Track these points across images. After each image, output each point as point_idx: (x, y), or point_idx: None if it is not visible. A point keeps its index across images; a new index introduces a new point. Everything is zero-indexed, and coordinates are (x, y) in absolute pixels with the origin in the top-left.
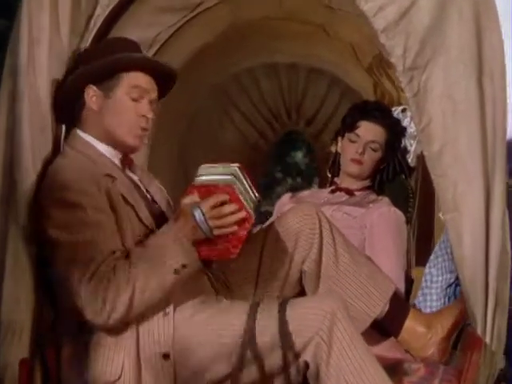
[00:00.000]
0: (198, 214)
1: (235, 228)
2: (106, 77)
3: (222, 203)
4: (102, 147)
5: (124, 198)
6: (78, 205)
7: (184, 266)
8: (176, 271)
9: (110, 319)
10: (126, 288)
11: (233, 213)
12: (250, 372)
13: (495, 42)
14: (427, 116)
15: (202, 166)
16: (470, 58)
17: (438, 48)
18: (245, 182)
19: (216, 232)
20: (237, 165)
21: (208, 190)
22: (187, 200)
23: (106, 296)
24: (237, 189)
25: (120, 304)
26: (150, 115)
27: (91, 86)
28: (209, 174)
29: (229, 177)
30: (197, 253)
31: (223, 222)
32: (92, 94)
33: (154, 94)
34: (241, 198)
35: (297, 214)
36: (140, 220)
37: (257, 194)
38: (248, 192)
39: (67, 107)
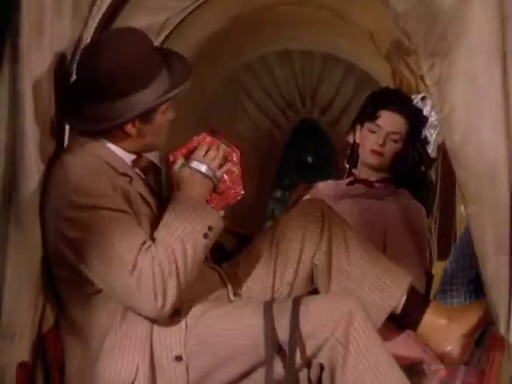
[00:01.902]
0: (197, 164)
1: (229, 164)
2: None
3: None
4: (116, 148)
5: (142, 197)
6: (97, 206)
7: (210, 228)
8: (205, 235)
9: (164, 308)
10: (170, 274)
11: (220, 150)
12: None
13: None
14: (449, 105)
15: None
16: (493, 45)
17: (461, 34)
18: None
19: (219, 173)
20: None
21: (186, 148)
22: (177, 165)
23: (155, 287)
24: (208, 135)
25: (170, 290)
26: (174, 115)
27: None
28: None
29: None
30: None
31: (218, 161)
32: (133, 124)
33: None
34: (215, 139)
35: (305, 208)
36: (155, 222)
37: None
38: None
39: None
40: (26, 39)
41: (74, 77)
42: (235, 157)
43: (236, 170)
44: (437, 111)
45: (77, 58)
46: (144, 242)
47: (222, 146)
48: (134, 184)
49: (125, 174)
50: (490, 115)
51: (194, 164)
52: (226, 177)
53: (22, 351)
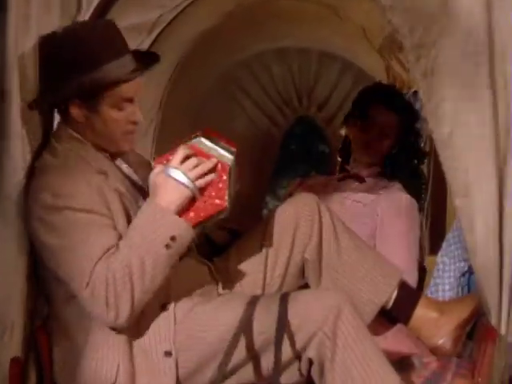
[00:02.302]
0: (172, 171)
1: (212, 175)
2: (90, 96)
3: (188, 157)
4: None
5: (119, 194)
6: (67, 208)
7: (173, 238)
8: (167, 246)
9: (117, 320)
10: (124, 286)
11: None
12: (250, 369)
13: (506, 22)
14: (436, 96)
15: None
16: (479, 37)
17: (447, 25)
18: (208, 143)
19: (199, 183)
20: (198, 134)
21: (170, 154)
22: (154, 173)
23: (107, 300)
24: (196, 144)
25: (123, 304)
26: (139, 118)
27: (76, 101)
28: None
29: (191, 141)
30: (186, 221)
31: (200, 170)
32: (76, 109)
33: (139, 90)
34: (203, 149)
35: (296, 203)
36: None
37: (230, 156)
38: (214, 145)
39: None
40: (13, 37)
41: None
42: (222, 168)
43: (222, 182)
44: (424, 103)
45: None
46: (109, 249)
47: (211, 160)
48: (110, 180)
49: (101, 171)
50: (476, 108)
51: (169, 170)
52: (209, 187)
53: (13, 347)
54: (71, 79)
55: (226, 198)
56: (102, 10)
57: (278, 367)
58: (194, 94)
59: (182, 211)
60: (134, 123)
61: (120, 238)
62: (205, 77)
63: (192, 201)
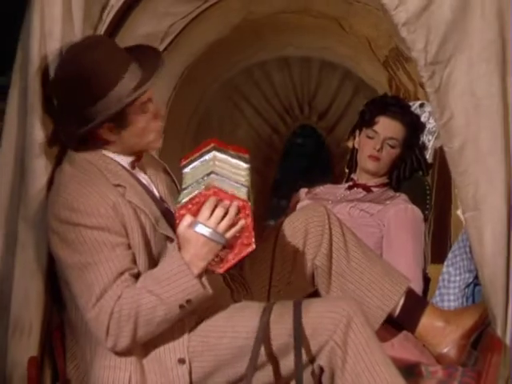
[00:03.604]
0: (201, 228)
1: (242, 222)
2: (118, 115)
3: (215, 207)
4: (112, 154)
5: (136, 208)
6: (81, 225)
7: (188, 301)
8: (181, 306)
9: (115, 348)
10: (128, 322)
11: (229, 208)
12: (265, 374)
13: None
14: (449, 111)
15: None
16: (493, 54)
17: (461, 43)
18: (226, 165)
19: (228, 235)
20: (212, 146)
21: (194, 204)
22: (183, 225)
23: (109, 326)
24: (217, 186)
25: (123, 337)
26: (163, 111)
27: (105, 124)
28: (190, 183)
29: (207, 178)
30: (204, 287)
31: (228, 221)
32: (107, 131)
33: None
34: (226, 190)
35: (306, 212)
36: (154, 228)
37: (244, 165)
38: (234, 172)
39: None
40: (37, 46)
41: None
42: (246, 208)
43: (246, 223)
44: (436, 117)
45: None
46: (121, 273)
47: (234, 204)
48: (127, 194)
49: (118, 185)
50: (488, 123)
51: (199, 228)
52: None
53: (31, 346)
54: (96, 106)
55: (253, 238)
56: (118, 21)
57: (300, 373)
58: (197, 102)
59: (214, 262)
60: (160, 117)
61: (133, 257)
62: (208, 86)
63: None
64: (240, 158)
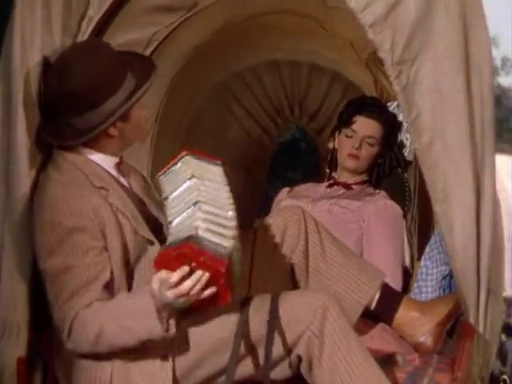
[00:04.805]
0: (161, 294)
1: (210, 291)
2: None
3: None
4: (98, 157)
5: (117, 211)
6: (62, 225)
7: (149, 340)
8: (141, 341)
9: (75, 350)
10: (89, 334)
11: (197, 282)
12: (245, 366)
13: (482, 39)
14: (416, 109)
15: (162, 183)
16: (457, 53)
17: (426, 43)
18: (213, 211)
19: (192, 302)
20: (189, 158)
21: (170, 259)
22: (155, 277)
23: (71, 330)
24: (198, 240)
25: (81, 344)
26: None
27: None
28: (174, 212)
29: (193, 223)
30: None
31: (192, 295)
32: (114, 126)
33: None
34: (202, 249)
35: (283, 213)
36: (135, 231)
37: (231, 206)
38: (218, 224)
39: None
40: (19, 54)
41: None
42: (220, 273)
43: (221, 283)
44: (405, 115)
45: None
46: (91, 282)
47: (206, 275)
48: (109, 197)
49: (101, 188)
50: (454, 118)
51: (160, 293)
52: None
53: (20, 347)
54: (104, 103)
55: (228, 295)
56: (99, 28)
57: (269, 362)
58: (188, 105)
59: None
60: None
61: (106, 262)
62: (199, 89)
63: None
64: (213, 164)
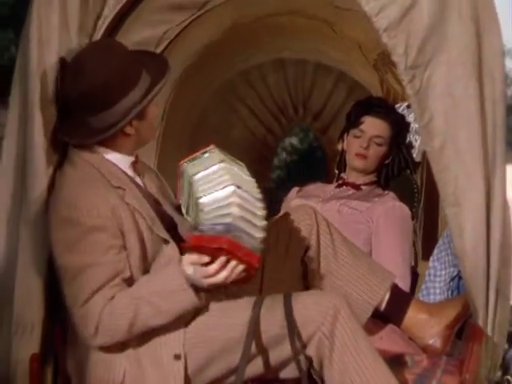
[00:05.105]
0: (193, 276)
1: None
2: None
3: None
4: (114, 156)
5: (134, 211)
6: (80, 223)
7: (186, 311)
8: (179, 316)
9: (94, 344)
10: (122, 321)
11: (231, 273)
12: (255, 366)
13: (495, 44)
14: (429, 113)
15: (187, 169)
16: (469, 58)
17: (439, 47)
18: (239, 171)
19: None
20: (217, 153)
21: (206, 245)
22: (186, 258)
23: (99, 325)
24: (236, 238)
25: (116, 333)
26: None
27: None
28: (205, 191)
29: (229, 210)
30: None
31: (224, 282)
32: (130, 124)
33: None
34: (239, 244)
35: (295, 212)
36: (151, 230)
37: (261, 204)
38: (252, 212)
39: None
40: (36, 54)
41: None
42: (252, 267)
43: (252, 272)
44: (417, 119)
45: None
46: (114, 277)
47: (239, 268)
48: (126, 197)
49: (118, 187)
50: (466, 123)
51: (192, 273)
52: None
53: (33, 343)
54: (120, 102)
55: (254, 277)
56: (112, 29)
57: (298, 361)
58: (194, 104)
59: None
60: None
61: (126, 261)
62: (205, 88)
63: None
64: (238, 162)
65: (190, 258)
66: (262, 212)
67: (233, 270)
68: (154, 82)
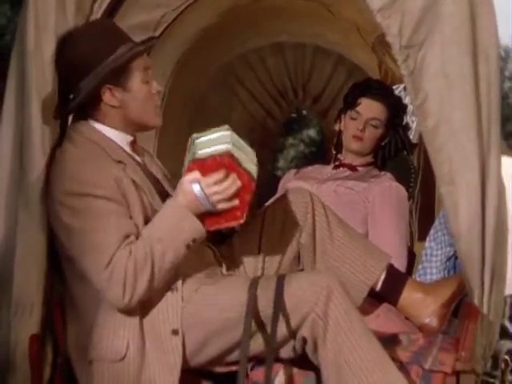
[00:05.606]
0: (197, 189)
1: (236, 202)
2: (119, 74)
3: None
4: (112, 133)
5: (135, 185)
6: (89, 194)
7: (194, 240)
8: (188, 246)
9: (130, 303)
10: (143, 271)
11: (233, 184)
12: (255, 343)
13: (489, 26)
14: (423, 93)
15: (194, 136)
16: (464, 38)
17: (433, 27)
18: (241, 142)
19: (219, 206)
20: (226, 127)
21: (207, 164)
22: (187, 177)
23: (126, 281)
24: (235, 156)
25: (139, 289)
26: (161, 88)
27: (108, 86)
28: (205, 146)
29: (224, 146)
30: (203, 225)
31: (224, 196)
32: (111, 93)
33: (151, 65)
34: (240, 163)
35: (291, 195)
36: (151, 205)
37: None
38: (246, 152)
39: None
40: (32, 37)
41: None
42: (250, 185)
43: (246, 198)
44: (411, 99)
45: None
46: (128, 236)
47: (242, 179)
48: (127, 171)
49: (119, 161)
50: (461, 102)
51: (196, 187)
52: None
53: (33, 324)
54: (97, 68)
55: (245, 213)
56: (110, 11)
57: (274, 341)
58: (194, 88)
59: (202, 214)
60: (159, 93)
61: (136, 227)
62: (204, 71)
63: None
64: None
65: (192, 175)
66: (255, 159)
67: (234, 181)
68: (133, 48)
